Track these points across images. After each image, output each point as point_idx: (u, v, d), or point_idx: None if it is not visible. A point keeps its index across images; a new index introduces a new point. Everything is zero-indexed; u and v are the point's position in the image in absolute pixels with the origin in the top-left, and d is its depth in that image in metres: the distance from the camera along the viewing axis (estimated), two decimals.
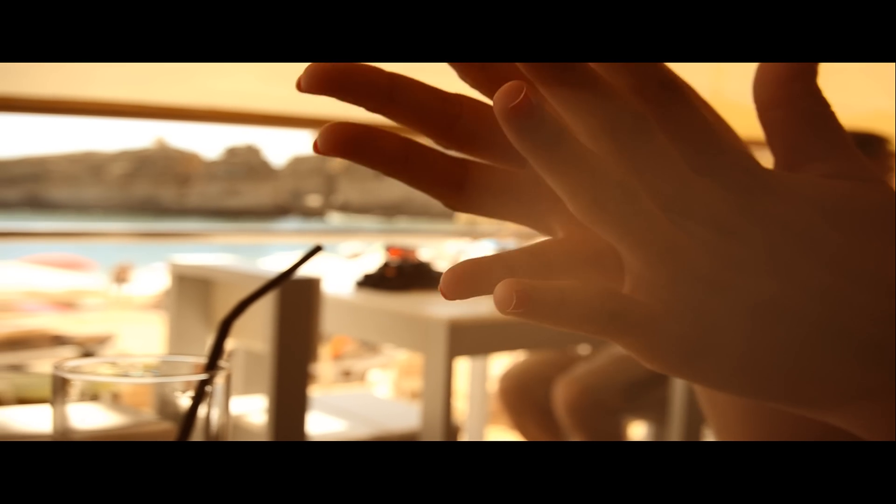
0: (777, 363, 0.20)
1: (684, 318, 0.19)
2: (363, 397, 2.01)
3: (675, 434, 1.74)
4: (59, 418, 0.30)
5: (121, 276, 7.12)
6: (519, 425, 2.00)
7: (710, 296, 0.19)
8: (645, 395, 1.90)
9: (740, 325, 0.19)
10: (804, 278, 0.20)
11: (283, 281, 0.32)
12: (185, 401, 0.31)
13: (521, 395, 1.97)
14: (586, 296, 0.18)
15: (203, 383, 0.31)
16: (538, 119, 0.17)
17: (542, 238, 0.23)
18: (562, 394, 1.86)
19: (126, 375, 0.33)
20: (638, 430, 2.23)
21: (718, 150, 0.20)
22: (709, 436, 1.88)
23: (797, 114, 0.22)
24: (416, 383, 3.37)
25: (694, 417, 1.75)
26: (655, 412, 1.90)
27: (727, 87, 2.25)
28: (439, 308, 1.51)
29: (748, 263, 0.19)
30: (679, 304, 0.19)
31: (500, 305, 0.18)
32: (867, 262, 0.20)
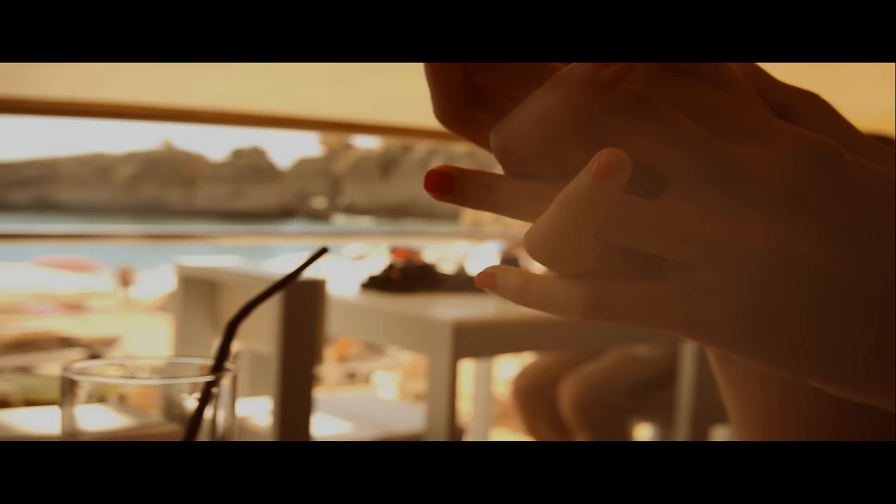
0: (833, 339, 0.19)
1: (745, 292, 0.19)
2: (368, 399, 2.01)
3: (681, 436, 1.74)
4: (68, 420, 0.31)
5: (124, 279, 7.15)
6: (530, 425, 2.00)
7: (770, 271, 0.19)
8: (651, 395, 1.89)
9: (797, 298, 0.19)
10: (866, 251, 0.19)
11: (289, 283, 0.32)
12: (191, 402, 0.31)
13: (534, 395, 1.97)
14: (557, 284, 0.20)
15: (209, 385, 0.31)
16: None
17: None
18: (567, 392, 1.86)
19: (133, 377, 0.33)
20: (644, 432, 2.23)
21: (758, 120, 0.20)
22: (716, 438, 1.87)
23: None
24: (420, 385, 3.37)
25: (701, 419, 1.74)
26: (662, 413, 1.90)
27: None
28: (444, 310, 1.51)
29: (805, 232, 0.19)
30: (738, 276, 0.19)
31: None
32: None
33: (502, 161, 0.21)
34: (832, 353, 0.19)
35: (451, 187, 0.21)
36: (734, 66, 0.23)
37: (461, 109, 0.22)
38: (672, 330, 0.20)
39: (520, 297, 0.21)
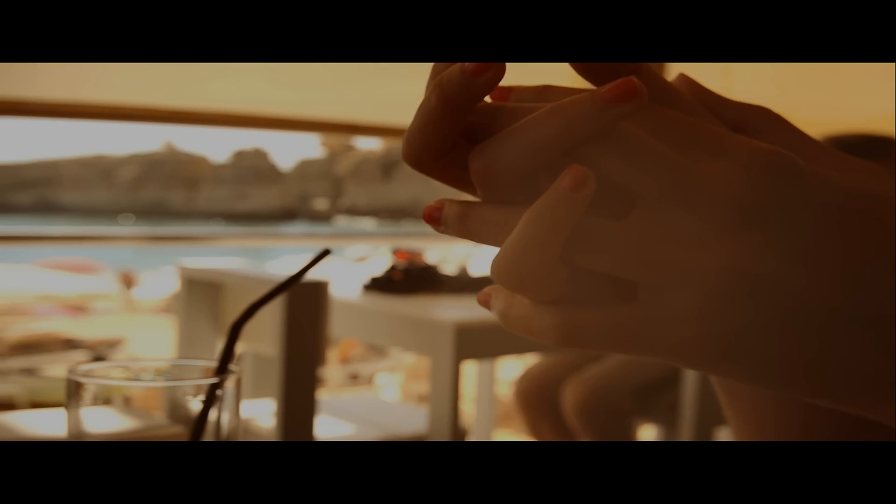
0: (802, 354, 0.19)
1: (712, 314, 0.19)
2: (371, 400, 2.01)
3: (685, 438, 1.74)
4: (73, 422, 0.31)
5: (126, 282, 7.17)
6: (533, 428, 2.00)
7: (732, 291, 0.19)
8: (654, 397, 1.89)
9: (762, 316, 0.19)
10: (823, 263, 0.19)
11: (292, 284, 0.32)
12: (195, 404, 0.31)
13: (536, 398, 1.96)
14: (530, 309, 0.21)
15: (213, 387, 0.31)
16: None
17: None
18: (570, 395, 1.86)
19: (138, 379, 0.34)
20: (648, 434, 2.22)
21: (713, 135, 0.20)
22: (720, 440, 1.87)
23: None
24: (423, 387, 3.37)
25: (704, 421, 1.73)
26: (665, 415, 1.89)
27: (735, 87, 2.24)
28: (446, 311, 1.51)
29: (764, 249, 0.19)
30: (702, 302, 0.19)
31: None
32: (890, 249, 0.19)
33: (480, 185, 0.21)
34: (807, 369, 0.19)
35: (438, 220, 0.22)
36: (682, 87, 0.23)
37: (439, 155, 0.22)
38: (647, 355, 0.20)
39: (503, 319, 0.21)
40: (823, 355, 0.19)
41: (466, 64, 0.20)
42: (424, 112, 0.21)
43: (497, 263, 0.20)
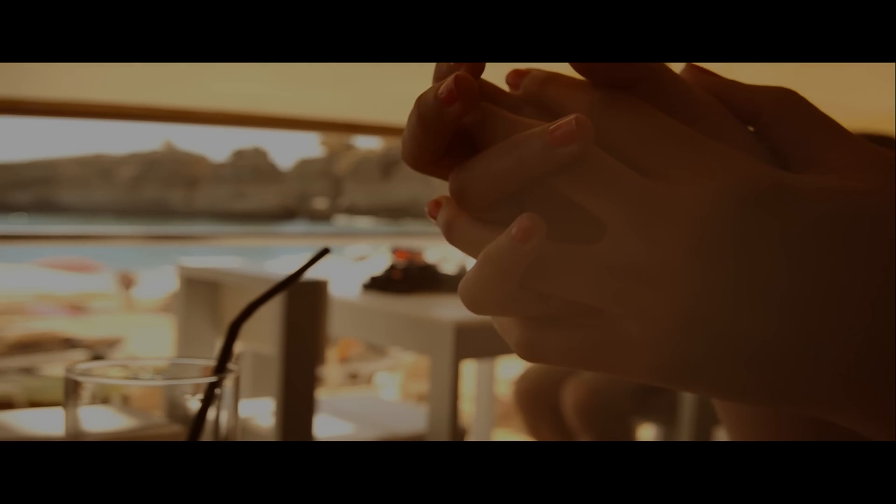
0: (759, 383, 0.20)
1: (660, 347, 0.19)
2: (370, 400, 2.01)
3: (684, 437, 1.74)
4: (71, 421, 0.31)
5: (125, 283, 7.17)
6: (533, 428, 2.00)
7: (683, 328, 0.19)
8: (654, 398, 1.89)
9: (706, 351, 0.19)
10: (782, 302, 0.19)
11: (291, 283, 0.32)
12: (194, 403, 0.31)
13: (536, 398, 1.96)
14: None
15: (212, 386, 0.31)
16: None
17: None
18: (570, 396, 1.86)
19: (136, 378, 0.34)
20: (647, 434, 2.23)
21: (695, 152, 0.20)
22: (719, 439, 1.87)
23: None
24: (422, 386, 3.37)
25: (704, 421, 1.74)
26: (665, 415, 1.90)
27: None
28: (446, 311, 1.51)
29: (717, 289, 0.19)
30: (657, 333, 0.19)
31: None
32: (866, 275, 0.19)
33: (459, 204, 0.22)
34: (766, 393, 0.20)
35: (434, 217, 0.23)
36: (691, 79, 0.22)
37: (434, 161, 0.22)
38: (607, 373, 0.21)
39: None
40: (779, 385, 0.19)
41: (441, 89, 0.20)
42: (409, 125, 0.21)
43: (460, 291, 0.22)
